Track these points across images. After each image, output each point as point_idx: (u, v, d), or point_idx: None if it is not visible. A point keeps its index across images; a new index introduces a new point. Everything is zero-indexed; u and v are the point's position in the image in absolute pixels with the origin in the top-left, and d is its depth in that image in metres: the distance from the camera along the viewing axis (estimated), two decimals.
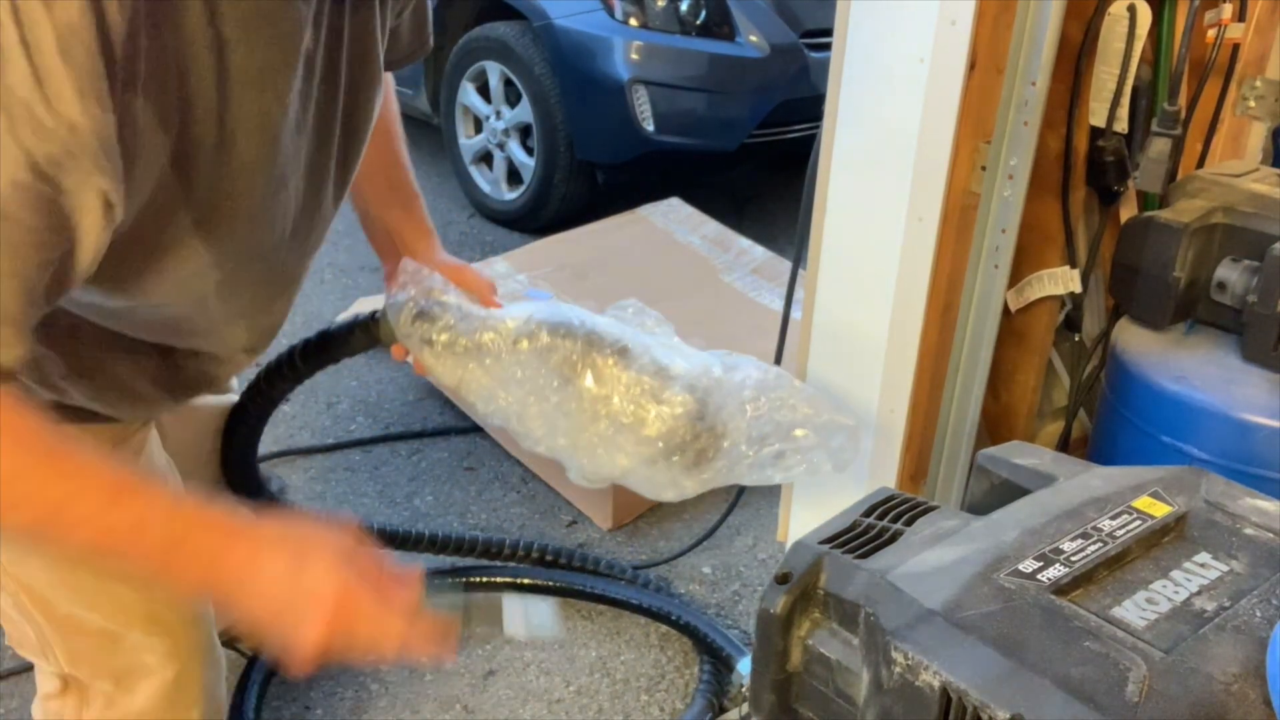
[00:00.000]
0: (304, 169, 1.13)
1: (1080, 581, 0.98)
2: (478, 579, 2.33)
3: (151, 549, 0.96)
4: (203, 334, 1.23)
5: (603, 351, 1.35)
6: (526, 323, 1.37)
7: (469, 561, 2.29)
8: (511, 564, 2.32)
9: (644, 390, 1.34)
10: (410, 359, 1.43)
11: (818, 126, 1.88)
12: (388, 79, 1.46)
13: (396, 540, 2.15)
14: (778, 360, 2.16)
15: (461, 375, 1.37)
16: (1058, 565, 0.99)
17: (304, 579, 0.99)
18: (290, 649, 1.00)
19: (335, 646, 1.00)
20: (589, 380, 1.34)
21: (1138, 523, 1.04)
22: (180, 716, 1.45)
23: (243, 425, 1.66)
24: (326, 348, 1.55)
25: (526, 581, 2.32)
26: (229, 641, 2.11)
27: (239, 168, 1.01)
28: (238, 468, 1.72)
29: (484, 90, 4.21)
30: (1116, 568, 1.01)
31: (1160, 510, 1.06)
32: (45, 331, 0.95)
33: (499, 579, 2.32)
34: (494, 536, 2.31)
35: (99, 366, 1.19)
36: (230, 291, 1.13)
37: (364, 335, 1.48)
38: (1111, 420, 1.85)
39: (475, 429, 2.96)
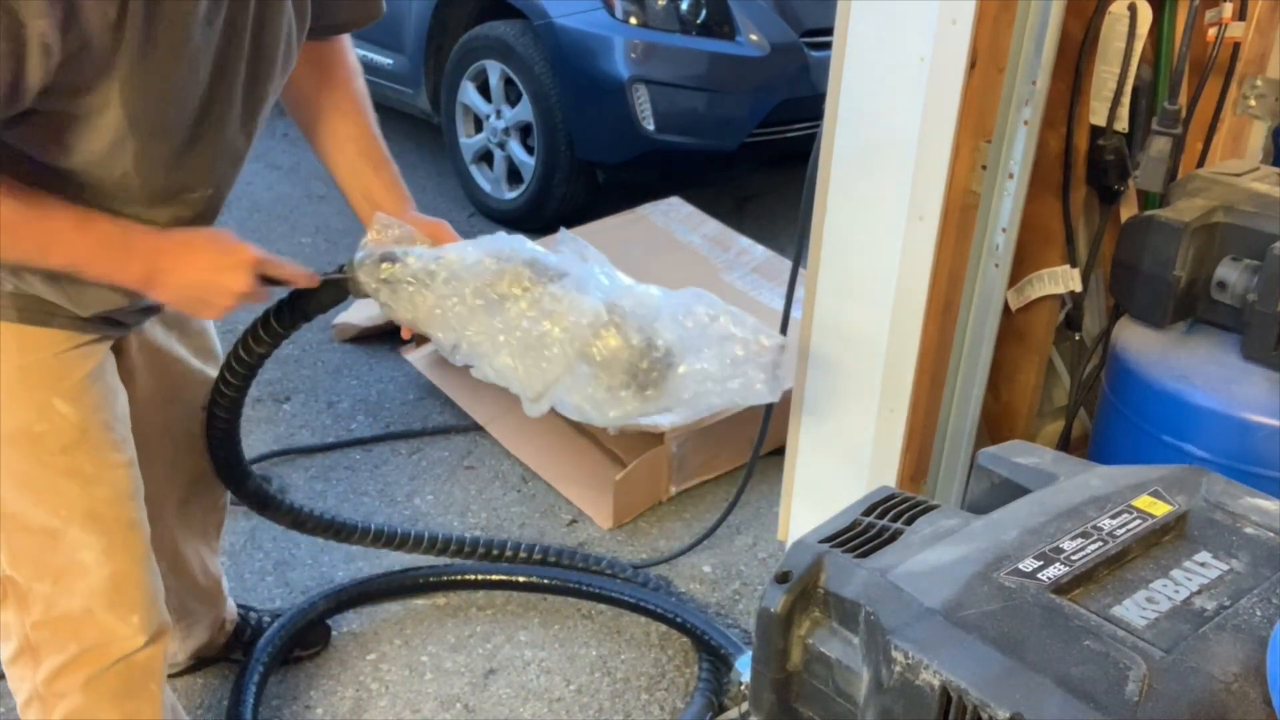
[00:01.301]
0: (211, 64, 1.30)
1: (1080, 580, 0.98)
2: (473, 576, 2.33)
3: (110, 258, 1.31)
4: (132, 214, 1.36)
5: (545, 276, 1.46)
6: (476, 247, 1.47)
7: (469, 563, 2.30)
8: (511, 564, 2.32)
9: (578, 312, 1.43)
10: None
11: (818, 126, 1.88)
12: (351, 57, 1.62)
13: (394, 542, 2.16)
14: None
15: (416, 305, 1.46)
16: (1058, 564, 0.99)
17: (219, 262, 1.37)
18: (205, 311, 1.43)
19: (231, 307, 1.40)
20: (529, 302, 1.44)
21: (1138, 522, 1.04)
22: (120, 616, 1.52)
23: (226, 393, 1.67)
24: (298, 305, 1.58)
25: (522, 580, 2.32)
26: (214, 657, 2.12)
27: (159, 48, 1.22)
28: (222, 444, 1.74)
29: (484, 89, 4.21)
30: (1117, 567, 1.01)
31: (1160, 509, 1.06)
32: None
33: (494, 576, 2.33)
34: (494, 539, 2.32)
35: None
36: (148, 168, 1.32)
37: (333, 288, 1.53)
38: (1112, 419, 1.85)
39: (475, 428, 2.96)
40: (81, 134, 1.25)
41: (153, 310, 1.58)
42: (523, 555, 2.31)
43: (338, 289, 1.53)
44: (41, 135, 1.24)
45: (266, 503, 1.93)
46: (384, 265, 1.46)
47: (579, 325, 1.42)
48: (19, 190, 1.24)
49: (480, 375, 1.48)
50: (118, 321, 1.49)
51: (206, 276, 1.37)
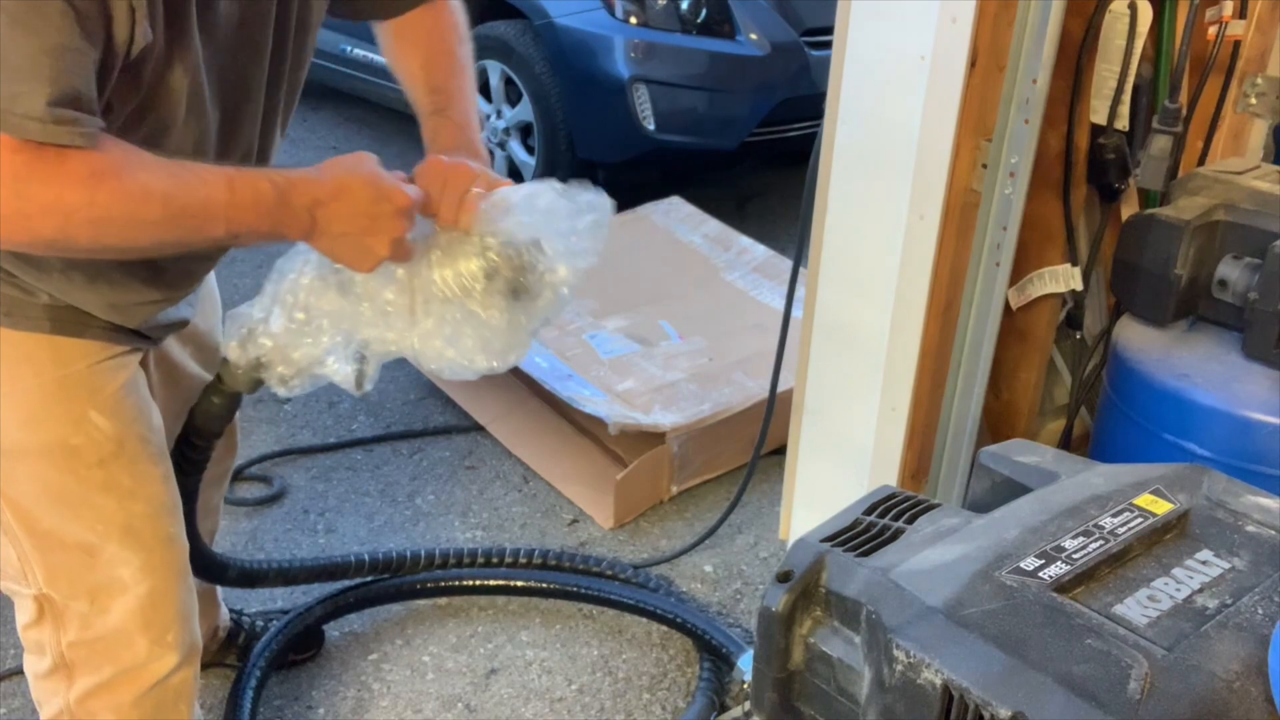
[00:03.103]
0: (273, 27, 1.30)
1: (1082, 579, 0.98)
2: (472, 581, 2.33)
3: (266, 213, 1.22)
4: None
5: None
6: (308, 267, 1.38)
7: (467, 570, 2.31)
8: (511, 569, 2.33)
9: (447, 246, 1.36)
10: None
11: (819, 125, 1.88)
12: (451, 18, 1.55)
13: (390, 567, 2.18)
14: (778, 359, 2.16)
15: (294, 354, 1.38)
16: (1059, 563, 0.99)
17: (377, 210, 1.28)
18: (362, 260, 1.30)
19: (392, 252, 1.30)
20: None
21: (1139, 520, 1.04)
22: (155, 637, 1.49)
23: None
24: (193, 422, 1.54)
25: (520, 584, 2.32)
26: (208, 663, 2.11)
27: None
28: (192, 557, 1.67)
29: (485, 89, 4.21)
30: (1118, 565, 1.01)
31: (1162, 508, 1.06)
32: None
33: (493, 581, 2.33)
34: (492, 548, 2.33)
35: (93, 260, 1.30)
36: (216, 144, 1.30)
37: (216, 393, 1.49)
38: (1113, 418, 1.85)
39: (477, 428, 2.96)
40: (157, 111, 1.21)
41: (178, 326, 1.55)
42: (522, 561, 2.31)
43: (220, 391, 1.48)
44: (121, 110, 1.19)
45: (254, 579, 1.96)
46: (249, 348, 1.38)
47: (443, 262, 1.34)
48: (163, 161, 1.17)
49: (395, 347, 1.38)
50: (147, 336, 1.46)
51: (363, 224, 1.28)
